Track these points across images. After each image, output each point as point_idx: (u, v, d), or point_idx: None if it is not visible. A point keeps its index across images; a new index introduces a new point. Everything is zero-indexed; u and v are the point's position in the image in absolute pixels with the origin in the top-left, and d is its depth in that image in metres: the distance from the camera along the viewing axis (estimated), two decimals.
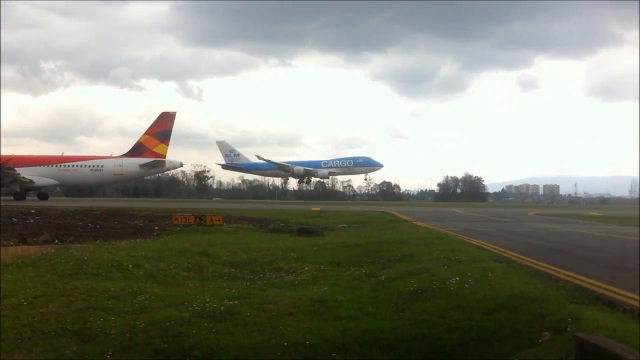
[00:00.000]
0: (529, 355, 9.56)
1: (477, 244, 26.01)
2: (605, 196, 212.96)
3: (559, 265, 18.46)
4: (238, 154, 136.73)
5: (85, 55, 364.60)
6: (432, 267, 18.31)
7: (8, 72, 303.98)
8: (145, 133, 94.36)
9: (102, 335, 11.34)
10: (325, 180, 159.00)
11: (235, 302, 13.82)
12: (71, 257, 19.80)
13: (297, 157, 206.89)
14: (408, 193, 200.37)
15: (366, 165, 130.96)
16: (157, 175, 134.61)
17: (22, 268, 17.97)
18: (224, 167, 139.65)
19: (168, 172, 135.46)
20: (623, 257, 22.28)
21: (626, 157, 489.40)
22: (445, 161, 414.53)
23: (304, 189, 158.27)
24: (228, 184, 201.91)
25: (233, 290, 15.95)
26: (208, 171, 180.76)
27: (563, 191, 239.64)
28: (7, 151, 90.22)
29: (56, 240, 28.59)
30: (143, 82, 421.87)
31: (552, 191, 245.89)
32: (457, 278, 15.39)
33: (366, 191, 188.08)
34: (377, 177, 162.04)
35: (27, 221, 38.82)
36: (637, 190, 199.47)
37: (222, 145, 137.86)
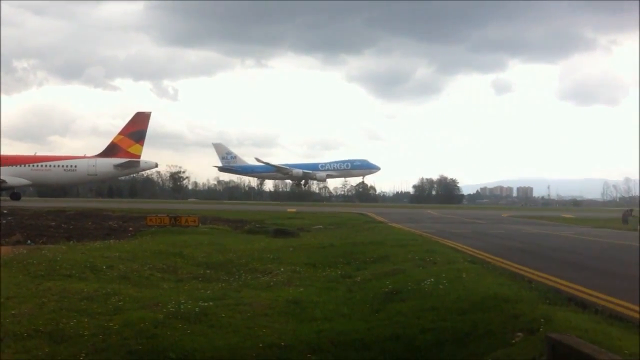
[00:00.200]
0: (502, 356, 9.64)
1: (452, 245, 26.20)
2: (578, 199, 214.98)
3: (532, 266, 18.67)
4: (235, 156, 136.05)
5: (59, 54, 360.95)
6: (407, 268, 18.41)
7: None
8: (120, 133, 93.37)
9: (75, 337, 11.22)
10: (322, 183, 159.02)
11: (210, 303, 13.77)
12: (44, 258, 19.59)
13: (274, 158, 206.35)
14: (384, 195, 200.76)
15: (363, 168, 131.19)
16: (132, 175, 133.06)
17: None
18: (221, 169, 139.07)
19: (143, 172, 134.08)
20: (595, 259, 22.61)
21: (598, 160, 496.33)
22: (420, 163, 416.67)
23: (301, 190, 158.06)
24: (204, 184, 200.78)
25: (208, 292, 15.89)
26: (183, 172, 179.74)
27: (536, 193, 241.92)
28: None
29: (29, 241, 28.20)
30: (117, 81, 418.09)
31: (525, 193, 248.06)
32: (432, 279, 15.50)
33: (342, 192, 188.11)
34: (352, 179, 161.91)
35: None
36: (609, 192, 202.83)
37: (218, 148, 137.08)
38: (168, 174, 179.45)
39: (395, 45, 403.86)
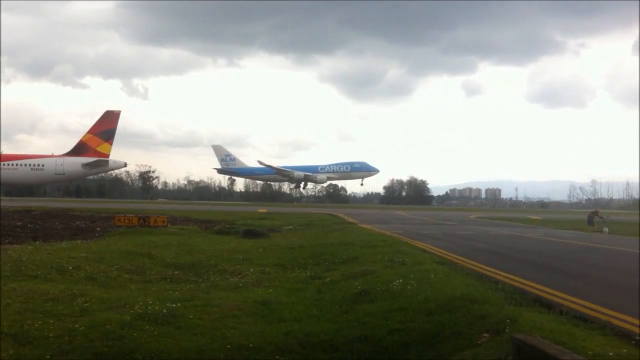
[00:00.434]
0: (468, 356, 9.73)
1: (421, 246, 26.38)
2: (545, 200, 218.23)
3: (499, 267, 18.88)
4: (234, 159, 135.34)
5: (27, 52, 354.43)
6: (376, 269, 18.49)
7: None
8: (89, 132, 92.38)
9: (40, 339, 11.05)
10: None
11: (178, 304, 13.66)
12: (9, 258, 19.29)
13: (246, 158, 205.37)
14: (354, 195, 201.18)
15: (363, 170, 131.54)
16: (100, 175, 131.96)
17: None
18: (220, 171, 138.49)
19: (111, 172, 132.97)
20: (560, 260, 22.94)
21: (566, 163, 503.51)
22: (391, 164, 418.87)
23: (302, 194, 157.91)
24: (173, 184, 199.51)
25: (176, 293, 15.77)
26: (153, 171, 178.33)
27: (505, 195, 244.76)
28: None
29: None
30: (87, 79, 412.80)
31: (494, 195, 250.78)
32: (401, 280, 15.60)
33: (313, 193, 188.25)
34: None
35: None
36: (576, 194, 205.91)
37: (217, 150, 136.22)
38: (137, 174, 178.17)
39: (367, 46, 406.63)
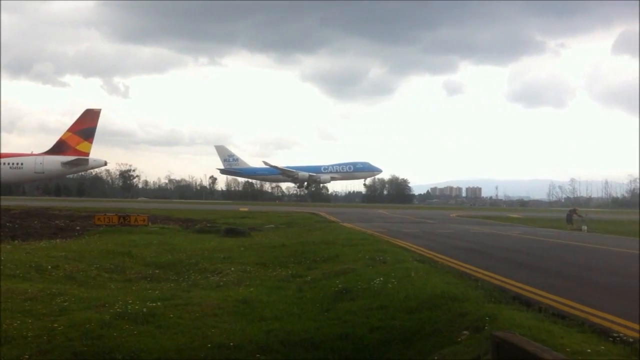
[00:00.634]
0: (448, 354, 9.77)
1: (402, 244, 26.45)
2: (525, 199, 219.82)
3: (479, 265, 19.00)
4: (237, 159, 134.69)
5: (6, 50, 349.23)
6: (358, 268, 18.51)
7: None
8: (68, 130, 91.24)
9: (18, 338, 10.95)
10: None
11: (159, 303, 13.61)
12: None
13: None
14: (336, 194, 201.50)
15: (366, 170, 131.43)
16: (80, 173, 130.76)
17: None
18: (223, 171, 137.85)
19: (92, 170, 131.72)
20: (539, 258, 23.13)
21: (545, 162, 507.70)
22: (372, 163, 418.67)
23: (304, 193, 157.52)
24: (154, 183, 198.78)
25: (156, 292, 15.71)
26: (133, 170, 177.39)
27: (485, 193, 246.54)
28: None
29: None
30: (67, 78, 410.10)
31: (474, 193, 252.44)
32: (382, 278, 15.63)
33: (294, 192, 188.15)
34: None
35: None
36: (555, 193, 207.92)
37: (220, 150, 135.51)
38: (118, 172, 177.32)
39: (349, 45, 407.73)
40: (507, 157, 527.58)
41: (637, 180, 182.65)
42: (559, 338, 9.28)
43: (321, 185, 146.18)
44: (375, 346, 11.08)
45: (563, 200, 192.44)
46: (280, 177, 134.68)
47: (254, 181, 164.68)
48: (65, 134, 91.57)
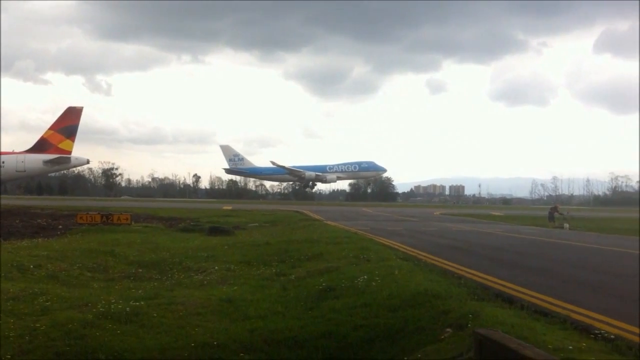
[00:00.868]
0: (431, 352, 9.81)
1: (385, 242, 26.52)
2: (508, 197, 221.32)
3: (462, 263, 19.09)
4: (242, 159, 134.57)
5: None
6: (342, 266, 18.54)
7: None
8: (50, 128, 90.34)
9: (0, 338, 10.87)
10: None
11: (142, 303, 13.55)
12: None
13: (208, 155, 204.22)
14: (320, 192, 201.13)
15: (371, 170, 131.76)
16: (62, 172, 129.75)
17: None
18: (228, 171, 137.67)
19: (74, 169, 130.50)
20: (522, 255, 23.30)
21: (528, 160, 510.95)
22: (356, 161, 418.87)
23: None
24: (137, 181, 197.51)
25: (140, 291, 15.65)
26: (116, 168, 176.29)
27: (468, 191, 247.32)
28: None
29: None
30: (48, 75, 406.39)
31: (457, 192, 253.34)
32: (365, 276, 15.66)
33: (278, 190, 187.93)
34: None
35: None
36: (537, 191, 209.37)
37: (225, 150, 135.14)
38: (100, 171, 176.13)
39: (333, 43, 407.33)
40: (490, 155, 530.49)
41: (618, 179, 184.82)
42: (541, 335, 9.33)
43: (329, 184, 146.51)
44: (358, 344, 11.10)
45: (545, 198, 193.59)
46: (287, 176, 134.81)
47: (237, 179, 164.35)
48: (47, 132, 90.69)
